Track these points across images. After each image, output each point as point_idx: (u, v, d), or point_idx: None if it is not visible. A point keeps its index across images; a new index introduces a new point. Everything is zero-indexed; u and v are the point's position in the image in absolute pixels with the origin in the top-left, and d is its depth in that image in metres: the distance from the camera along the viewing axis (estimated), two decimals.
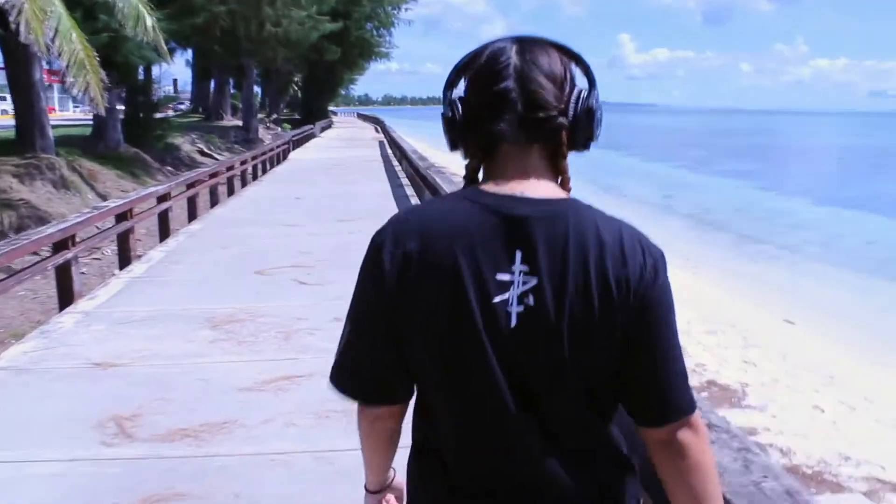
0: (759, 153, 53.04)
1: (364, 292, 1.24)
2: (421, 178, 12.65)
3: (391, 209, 12.17)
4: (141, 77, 22.64)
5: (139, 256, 8.86)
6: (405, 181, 16.61)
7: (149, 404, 4.20)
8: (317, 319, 5.78)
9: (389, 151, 26.91)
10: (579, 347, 1.17)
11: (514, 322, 1.16)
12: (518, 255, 1.17)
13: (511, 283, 1.16)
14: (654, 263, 1.20)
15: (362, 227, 10.06)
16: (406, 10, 47.46)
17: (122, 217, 8.27)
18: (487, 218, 1.18)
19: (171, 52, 28.47)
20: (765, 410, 6.95)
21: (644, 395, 1.22)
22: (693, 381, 7.38)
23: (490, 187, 1.22)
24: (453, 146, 1.30)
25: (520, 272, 1.16)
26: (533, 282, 1.16)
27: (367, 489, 1.45)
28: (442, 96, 1.30)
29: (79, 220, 7.13)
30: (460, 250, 1.17)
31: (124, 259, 8.30)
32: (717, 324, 9.95)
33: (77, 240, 7.09)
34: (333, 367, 1.31)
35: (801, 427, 6.60)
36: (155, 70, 25.71)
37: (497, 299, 1.16)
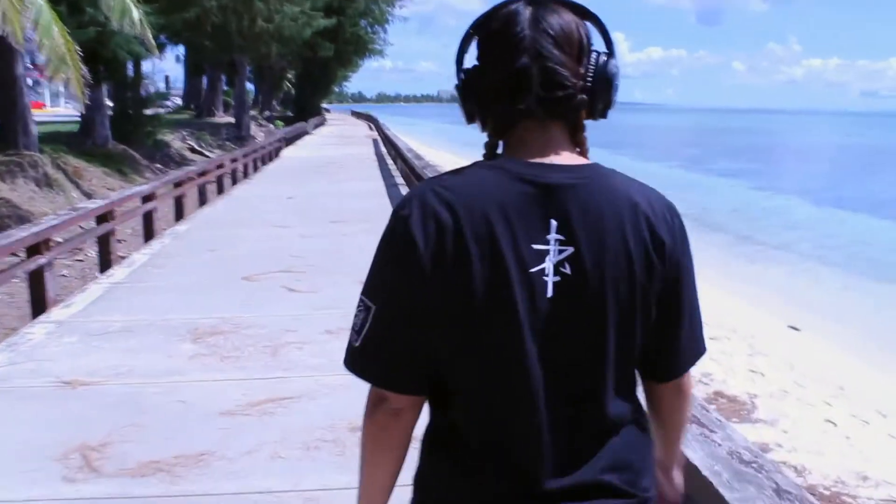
0: (753, 152, 52.98)
1: (391, 269, 1.17)
2: (417, 178, 12.29)
3: (387, 209, 11.79)
4: (130, 72, 22.18)
5: (123, 258, 8.48)
6: (400, 180, 16.25)
7: (120, 431, 3.80)
8: (306, 332, 5.40)
9: (383, 149, 26.55)
10: (620, 314, 1.16)
11: (550, 292, 1.14)
12: (553, 223, 1.14)
13: (547, 252, 1.14)
14: (679, 224, 1.22)
15: (356, 229, 9.74)
16: (401, 7, 47.09)
17: (102, 218, 7.85)
18: (518, 186, 1.15)
19: (162, 47, 28.07)
20: (776, 425, 6.70)
21: (672, 352, 1.27)
22: (700, 391, 7.03)
23: (515, 158, 1.20)
24: (470, 119, 1.26)
25: (555, 241, 1.14)
26: (569, 250, 1.14)
27: None
28: (455, 67, 1.26)
29: (54, 222, 6.71)
30: (496, 220, 1.13)
31: (105, 263, 7.88)
32: (721, 329, 9.70)
33: (53, 243, 6.69)
34: (353, 351, 1.21)
35: (815, 443, 6.36)
36: (147, 66, 25.30)
37: (534, 269, 1.13)
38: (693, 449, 2.07)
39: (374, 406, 1.22)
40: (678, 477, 1.45)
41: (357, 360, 1.21)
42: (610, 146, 43.09)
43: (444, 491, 1.22)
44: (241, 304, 6.24)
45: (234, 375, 4.60)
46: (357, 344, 1.20)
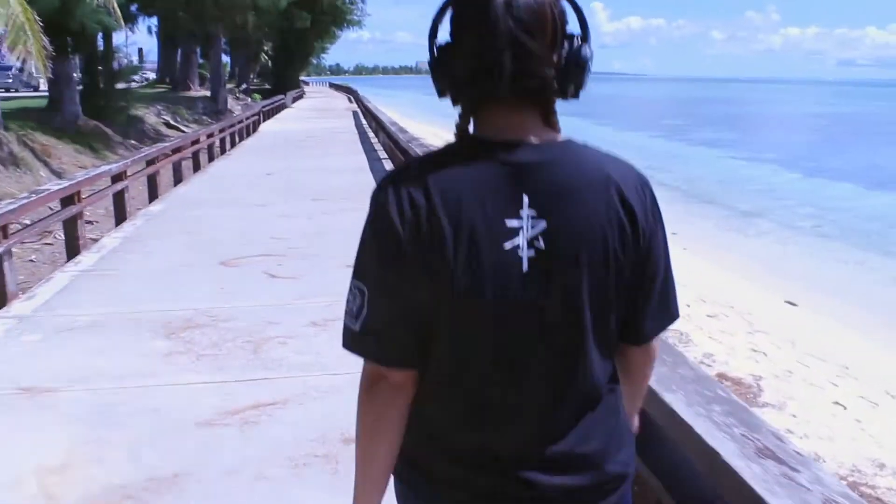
0: (733, 122, 52.99)
1: (376, 253, 1.20)
2: (401, 152, 11.80)
3: (370, 185, 11.30)
4: (101, 46, 21.40)
5: (95, 241, 7.99)
6: (383, 154, 15.77)
7: (83, 448, 3.36)
8: (290, 324, 4.97)
9: (364, 122, 25.98)
10: (595, 286, 1.18)
11: (525, 267, 1.16)
12: (525, 199, 1.16)
13: (520, 228, 1.16)
14: (651, 195, 1.24)
15: (339, 207, 9.27)
16: None
17: (68, 201, 7.31)
18: (491, 165, 1.17)
19: (134, 18, 27.22)
20: (784, 409, 6.51)
21: (644, 318, 1.28)
22: None
23: (487, 136, 1.21)
24: (442, 94, 1.26)
25: (528, 217, 1.16)
26: (542, 225, 1.16)
27: None
28: (428, 41, 1.25)
29: (11, 207, 6.17)
30: (469, 199, 1.15)
31: (72, 248, 7.34)
32: (717, 306, 9.50)
33: (17, 227, 6.20)
34: (353, 335, 1.24)
35: (825, 428, 6.19)
36: (119, 38, 24.48)
37: (507, 245, 1.15)
38: (777, 496, 1.67)
39: (371, 385, 1.24)
40: (635, 421, 1.48)
41: (357, 342, 1.23)
42: (592, 117, 42.77)
43: (425, 464, 1.26)
44: (219, 293, 5.79)
45: (211, 377, 4.16)
46: (356, 328, 1.22)
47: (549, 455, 1.22)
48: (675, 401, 2.14)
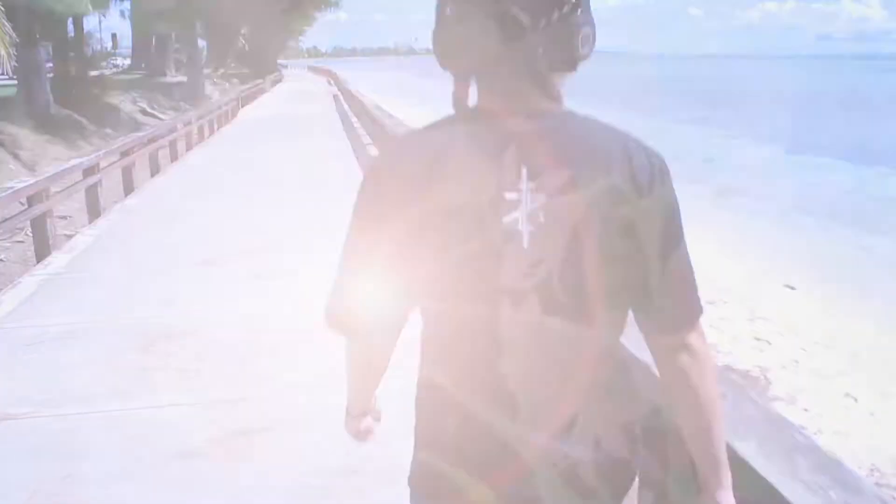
0: (717, 100, 52.84)
1: (366, 224, 1.20)
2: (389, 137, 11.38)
3: (356, 172, 10.95)
4: (72, 31, 20.78)
5: (69, 236, 7.57)
6: (367, 139, 15.32)
7: (49, 487, 2.97)
8: (280, 332, 4.57)
9: (346, 106, 25.48)
10: (598, 262, 1.15)
11: (526, 242, 1.14)
12: (524, 172, 1.13)
13: (520, 201, 1.13)
14: (660, 169, 1.18)
15: (326, 196, 8.85)
16: None
17: (35, 199, 6.86)
18: (488, 137, 1.15)
19: (104, 2, 26.53)
20: (794, 403, 6.34)
21: (662, 302, 1.21)
22: None
23: (484, 107, 1.19)
24: (443, 67, 1.23)
25: (527, 189, 1.13)
26: (542, 198, 1.13)
27: (348, 411, 1.45)
28: (435, 14, 1.21)
29: None
30: (465, 172, 1.14)
31: (41, 250, 6.90)
32: (715, 292, 9.22)
33: None
34: (331, 305, 1.25)
35: (839, 422, 6.02)
36: (91, 23, 23.84)
37: (506, 219, 1.13)
38: None
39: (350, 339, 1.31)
40: (727, 500, 1.30)
41: (334, 315, 1.25)
42: (570, 96, 42.48)
43: (439, 446, 1.25)
44: (201, 297, 5.39)
45: (193, 398, 3.76)
46: (334, 295, 1.25)
47: (555, 447, 1.20)
48: (747, 450, 1.78)
